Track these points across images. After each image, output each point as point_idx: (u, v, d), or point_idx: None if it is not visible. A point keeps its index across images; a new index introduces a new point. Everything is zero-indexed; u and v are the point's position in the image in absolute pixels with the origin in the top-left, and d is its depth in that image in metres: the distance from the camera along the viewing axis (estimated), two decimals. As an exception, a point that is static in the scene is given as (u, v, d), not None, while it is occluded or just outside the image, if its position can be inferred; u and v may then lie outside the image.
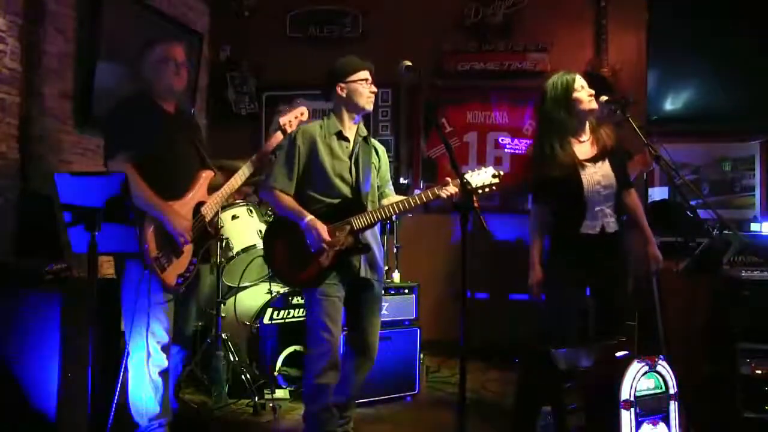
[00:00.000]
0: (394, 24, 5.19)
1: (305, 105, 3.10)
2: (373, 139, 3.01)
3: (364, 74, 2.82)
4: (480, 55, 5.16)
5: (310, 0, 5.35)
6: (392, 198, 3.00)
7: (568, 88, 2.89)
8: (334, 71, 2.84)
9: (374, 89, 2.84)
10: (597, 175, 2.90)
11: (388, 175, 3.07)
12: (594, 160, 2.91)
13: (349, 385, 2.92)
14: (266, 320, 3.84)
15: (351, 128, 2.88)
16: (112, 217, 2.21)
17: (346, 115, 2.86)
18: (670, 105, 6.11)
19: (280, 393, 3.76)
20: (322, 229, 2.69)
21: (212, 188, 2.92)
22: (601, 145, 2.94)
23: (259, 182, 3.16)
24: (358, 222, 2.74)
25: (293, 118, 2.95)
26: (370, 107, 2.85)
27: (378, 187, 2.98)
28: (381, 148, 3.04)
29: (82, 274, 2.78)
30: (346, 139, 2.86)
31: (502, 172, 2.75)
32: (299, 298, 3.95)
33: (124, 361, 2.76)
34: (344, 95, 2.82)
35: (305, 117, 2.99)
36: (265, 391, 3.72)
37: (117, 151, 2.69)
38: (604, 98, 3.09)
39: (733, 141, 6.36)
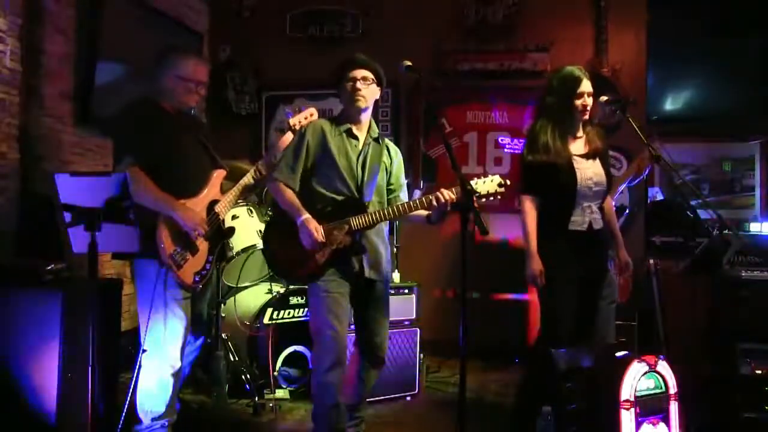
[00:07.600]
0: (394, 24, 5.18)
1: (310, 105, 3.09)
2: (387, 140, 2.97)
3: (355, 73, 2.77)
4: (480, 55, 5.15)
5: (310, 0, 5.35)
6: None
7: (572, 88, 2.86)
8: (335, 70, 2.84)
9: (359, 86, 2.75)
10: (590, 171, 2.90)
11: (402, 179, 3.00)
12: (586, 157, 2.91)
13: (360, 386, 2.90)
14: (266, 320, 3.84)
15: (361, 127, 2.86)
16: (112, 217, 2.21)
17: (350, 113, 2.83)
18: (670, 105, 6.12)
19: (280, 393, 3.76)
20: (316, 229, 2.67)
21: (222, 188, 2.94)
22: (593, 145, 2.94)
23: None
24: (356, 222, 2.72)
25: (303, 119, 2.95)
26: (359, 105, 2.79)
27: (390, 190, 2.94)
28: (394, 149, 2.98)
29: (82, 274, 2.78)
30: (356, 138, 2.84)
31: (509, 182, 2.71)
32: (299, 298, 3.95)
33: (138, 358, 2.75)
34: (340, 94, 2.84)
35: (315, 117, 2.99)
36: (265, 391, 3.72)
37: (124, 156, 2.69)
38: (604, 98, 3.08)
39: (733, 141, 6.36)
